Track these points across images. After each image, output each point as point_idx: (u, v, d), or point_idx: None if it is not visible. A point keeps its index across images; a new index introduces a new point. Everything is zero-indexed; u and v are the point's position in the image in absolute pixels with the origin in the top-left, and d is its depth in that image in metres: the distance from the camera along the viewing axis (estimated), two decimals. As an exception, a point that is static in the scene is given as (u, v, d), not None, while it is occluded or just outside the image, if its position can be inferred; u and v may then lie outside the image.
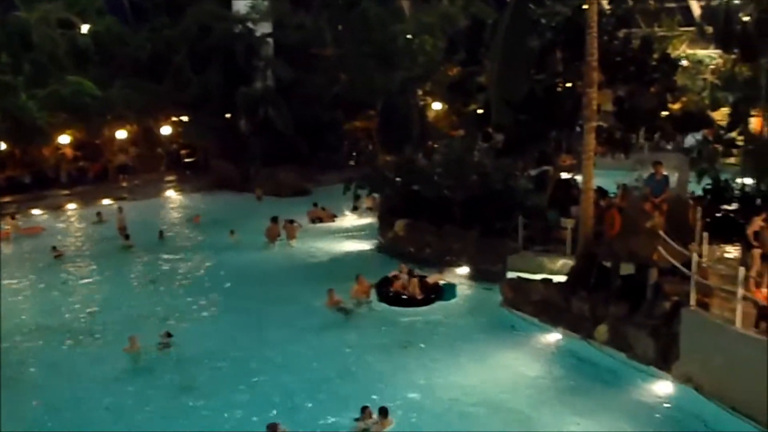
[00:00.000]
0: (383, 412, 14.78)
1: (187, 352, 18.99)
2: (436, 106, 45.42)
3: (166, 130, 45.08)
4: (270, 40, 43.91)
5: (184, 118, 45.23)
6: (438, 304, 22.01)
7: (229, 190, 41.64)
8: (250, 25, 43.30)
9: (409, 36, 44.39)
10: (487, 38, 29.49)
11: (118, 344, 19.15)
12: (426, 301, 22.02)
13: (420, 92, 45.38)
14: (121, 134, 43.23)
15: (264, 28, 43.84)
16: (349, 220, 34.21)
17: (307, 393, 16.54)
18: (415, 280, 22.57)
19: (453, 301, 22.43)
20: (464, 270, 24.58)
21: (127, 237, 30.71)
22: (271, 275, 25.83)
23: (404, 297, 22.14)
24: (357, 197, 32.23)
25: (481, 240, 24.54)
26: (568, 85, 26.06)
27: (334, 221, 33.84)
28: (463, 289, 23.41)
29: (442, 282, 22.89)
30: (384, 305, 22.05)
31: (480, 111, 32.46)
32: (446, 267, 24.64)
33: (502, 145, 27.41)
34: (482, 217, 24.90)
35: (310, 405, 16.02)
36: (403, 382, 17.02)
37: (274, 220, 30.45)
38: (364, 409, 14.91)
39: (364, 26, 43.83)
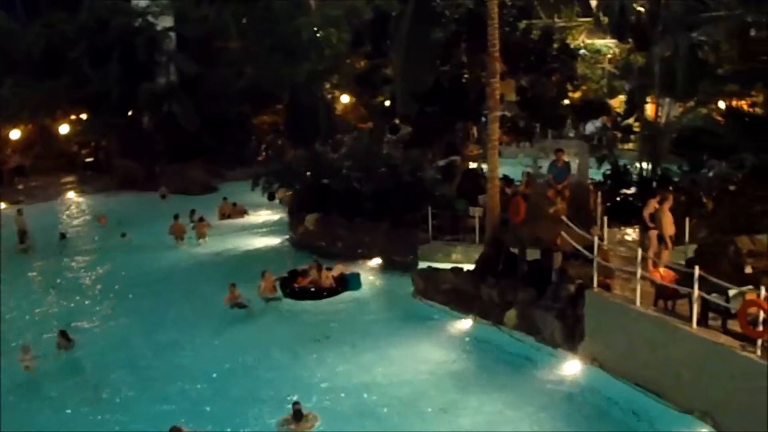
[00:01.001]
0: (297, 415, 14.43)
1: (90, 358, 18.30)
2: (345, 99, 45.33)
3: (64, 128, 43.22)
4: (172, 34, 42.75)
5: (84, 116, 43.50)
6: (350, 298, 21.99)
7: (134, 189, 40.33)
8: (150, 18, 42.06)
9: (315, 29, 44.08)
10: (392, 30, 29.61)
11: (16, 354, 18.17)
12: (332, 293, 22.01)
13: (328, 85, 45.16)
14: (15, 134, 41.20)
15: (165, 21, 42.67)
16: (261, 215, 33.73)
17: (217, 394, 16.18)
18: (326, 272, 22.52)
19: (366, 293, 22.47)
20: (376, 262, 24.64)
21: (22, 241, 29.24)
22: (180, 275, 25.21)
23: (311, 290, 22.08)
24: (270, 185, 31.71)
25: (391, 231, 24.66)
26: (472, 75, 26.48)
27: (243, 217, 33.33)
28: (376, 280, 23.50)
29: (346, 272, 22.89)
30: (292, 300, 21.90)
31: (387, 103, 32.64)
32: (358, 260, 24.66)
33: (409, 136, 27.62)
34: (392, 208, 25.01)
35: (219, 406, 15.67)
36: (317, 377, 16.86)
37: (177, 217, 29.70)
38: (294, 404, 14.62)
39: (269, 19, 43.26)
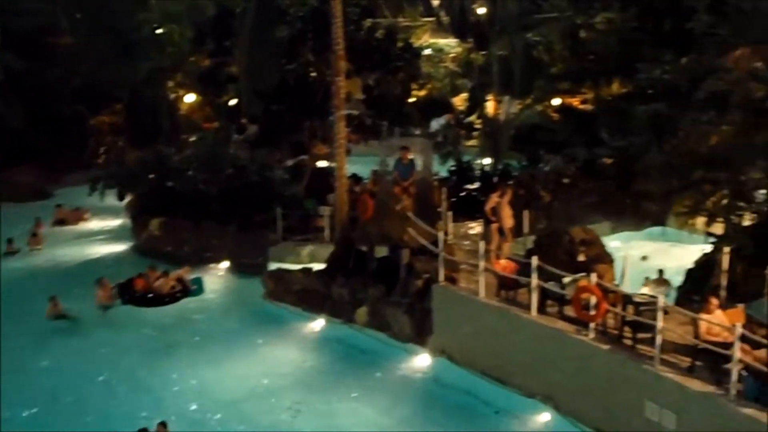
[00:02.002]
0: None
1: None
2: (189, 98, 43.82)
3: None
4: (-6, 28, 39.59)
5: None
6: (198, 303, 21.33)
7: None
8: (-34, 10, 38.73)
9: (155, 25, 42.34)
10: (235, 28, 29.00)
11: None
12: (173, 299, 21.30)
13: (171, 84, 43.49)
14: None
15: (-13, 15, 39.44)
16: (104, 220, 31.80)
17: (47, 417, 15.11)
18: (165, 277, 21.74)
19: (215, 297, 21.89)
20: (225, 265, 24.02)
21: None
22: (7, 290, 23.08)
23: (150, 296, 21.24)
24: (109, 188, 29.84)
25: (240, 233, 24.09)
26: (318, 74, 26.40)
27: (79, 223, 31.38)
28: (225, 284, 22.92)
29: (187, 276, 22.19)
30: (131, 308, 20.98)
31: (233, 102, 31.95)
32: (206, 263, 23.93)
33: (256, 136, 27.14)
34: (240, 210, 24.41)
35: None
36: (162, 388, 16.19)
37: (10, 241, 27.26)
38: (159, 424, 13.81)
39: (104, 14, 41.07)
